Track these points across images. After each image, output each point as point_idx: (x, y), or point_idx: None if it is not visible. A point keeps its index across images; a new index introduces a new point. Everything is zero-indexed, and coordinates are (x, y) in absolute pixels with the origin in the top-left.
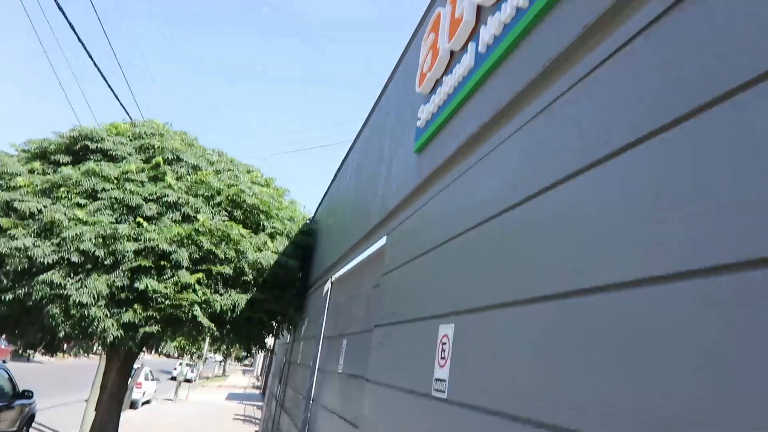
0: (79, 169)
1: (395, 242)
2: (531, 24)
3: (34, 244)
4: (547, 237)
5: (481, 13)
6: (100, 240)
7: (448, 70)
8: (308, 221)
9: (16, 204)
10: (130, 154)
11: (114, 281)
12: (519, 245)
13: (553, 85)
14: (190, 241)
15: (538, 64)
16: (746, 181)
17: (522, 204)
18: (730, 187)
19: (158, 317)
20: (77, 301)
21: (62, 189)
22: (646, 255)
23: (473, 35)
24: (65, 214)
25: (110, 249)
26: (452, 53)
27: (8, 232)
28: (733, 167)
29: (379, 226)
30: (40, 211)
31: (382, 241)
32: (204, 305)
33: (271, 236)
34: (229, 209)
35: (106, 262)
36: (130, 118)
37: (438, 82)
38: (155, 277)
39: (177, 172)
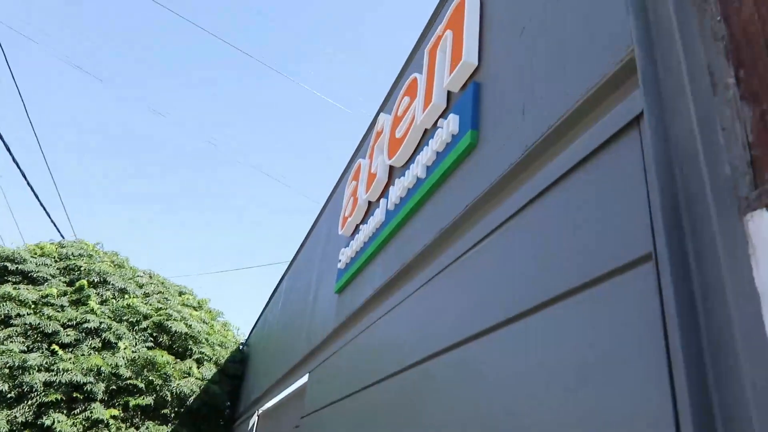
0: None
1: (316, 382)
2: (426, 195)
3: None
4: (439, 399)
5: (392, 173)
6: (6, 371)
7: (365, 219)
8: (241, 346)
9: None
10: (53, 276)
11: (16, 416)
12: (416, 408)
13: (446, 251)
14: (108, 371)
15: (432, 231)
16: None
17: (416, 366)
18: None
19: None
20: None
21: None
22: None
23: (385, 192)
24: None
25: (16, 381)
26: (369, 203)
27: None
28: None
29: (303, 363)
30: None
31: (305, 378)
32: None
33: (198, 362)
34: (155, 334)
35: (9, 396)
36: (62, 236)
37: (357, 228)
38: (65, 412)
39: (102, 295)
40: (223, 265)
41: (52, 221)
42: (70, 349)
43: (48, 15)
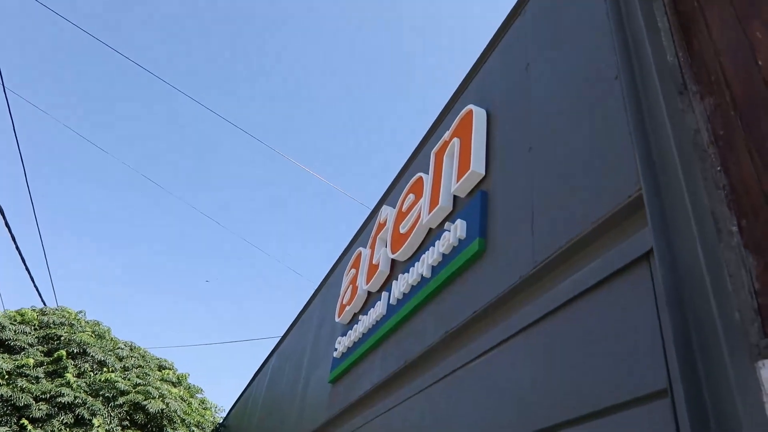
0: None
1: None
2: (431, 295)
3: None
4: None
5: (395, 267)
6: None
7: (364, 309)
8: (218, 426)
9: None
10: (31, 345)
11: None
12: None
13: (451, 355)
14: None
15: (437, 333)
16: None
17: None
18: None
19: None
20: None
21: None
22: None
23: (387, 285)
24: None
25: None
26: (369, 294)
27: None
28: None
29: None
30: None
31: None
32: None
33: None
34: (131, 412)
35: None
36: (44, 303)
37: (355, 318)
38: None
39: (80, 367)
40: (205, 337)
41: (35, 287)
42: (41, 425)
43: (59, 84)
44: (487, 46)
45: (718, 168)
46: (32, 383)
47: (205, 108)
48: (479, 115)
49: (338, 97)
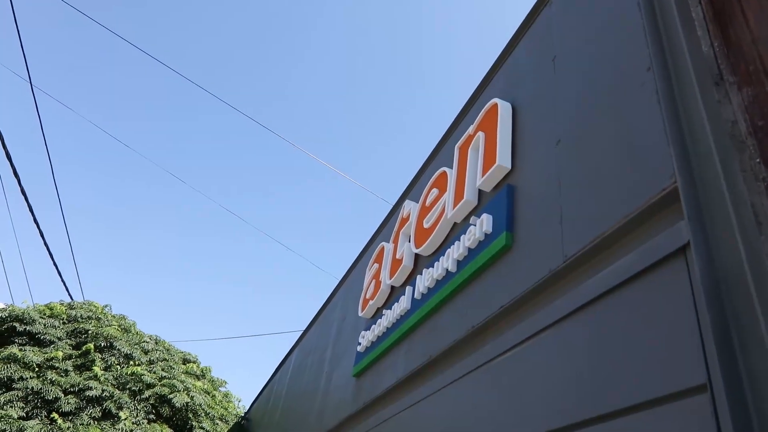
0: None
1: None
2: (457, 290)
3: None
4: None
5: (418, 262)
6: None
7: (387, 304)
8: (240, 419)
9: None
10: (60, 339)
11: None
12: None
13: (477, 350)
14: None
15: (463, 328)
16: None
17: None
18: None
19: None
20: None
21: None
22: None
23: (411, 279)
24: None
25: None
26: (393, 288)
27: None
28: None
29: None
30: None
31: None
32: None
33: None
34: (156, 405)
35: None
36: (71, 297)
37: (379, 312)
38: None
39: (107, 360)
40: (226, 331)
41: (63, 281)
42: (70, 418)
43: (81, 81)
44: (512, 38)
45: (758, 160)
46: (61, 376)
47: (225, 103)
48: (504, 108)
49: (353, 92)
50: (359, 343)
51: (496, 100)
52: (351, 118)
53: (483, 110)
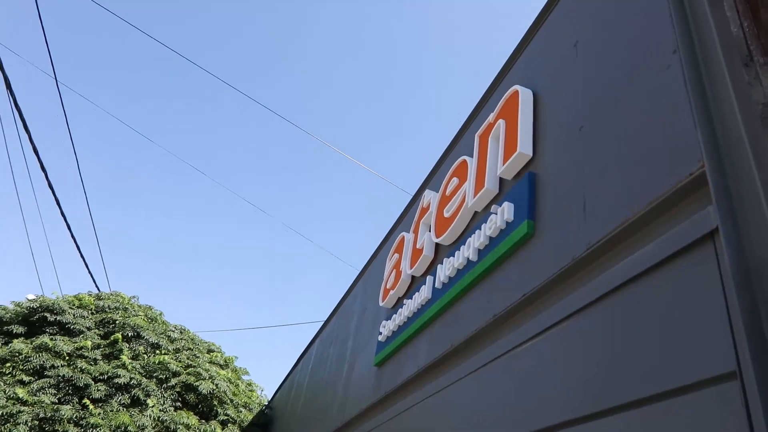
0: (31, 342)
1: None
2: (478, 278)
3: None
4: None
5: (439, 251)
6: (36, 423)
7: (408, 293)
8: (264, 408)
9: None
10: (89, 329)
11: None
12: None
13: (500, 339)
14: (134, 431)
15: (485, 316)
16: None
17: None
18: None
19: None
20: None
21: (8, 364)
22: None
23: (431, 269)
24: (4, 392)
25: None
26: (413, 278)
27: None
28: None
29: None
30: None
31: None
32: None
33: (223, 424)
34: (182, 393)
35: None
36: (98, 288)
37: (400, 302)
38: None
39: (135, 350)
40: (248, 321)
41: (90, 273)
42: (100, 404)
43: (104, 73)
44: (532, 24)
45: None
46: (91, 364)
47: (247, 96)
48: (525, 95)
49: (373, 82)
50: (380, 333)
51: (516, 87)
52: (370, 108)
53: (503, 98)
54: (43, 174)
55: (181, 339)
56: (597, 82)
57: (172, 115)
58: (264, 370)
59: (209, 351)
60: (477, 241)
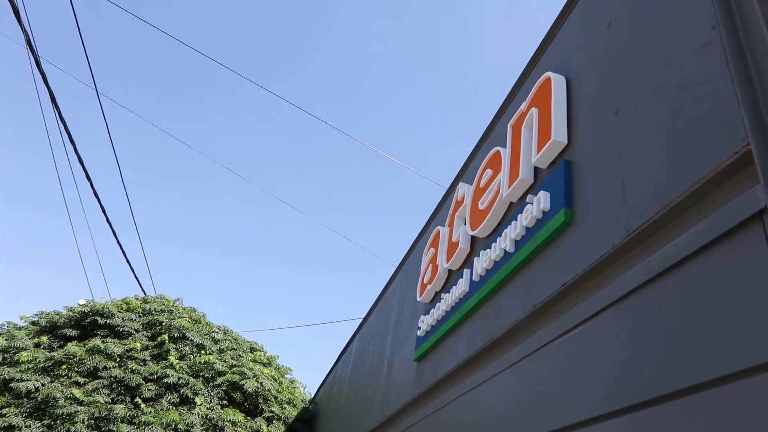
0: (84, 345)
1: None
2: (516, 270)
3: (24, 424)
4: None
5: (475, 244)
6: (92, 422)
7: (446, 288)
8: (308, 404)
9: (13, 384)
10: (137, 331)
11: None
12: None
13: (540, 329)
14: (184, 428)
15: (524, 308)
16: None
17: None
18: None
19: None
20: None
21: (64, 366)
22: None
23: (468, 262)
24: (62, 393)
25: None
26: (450, 272)
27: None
28: None
29: (379, 429)
30: (37, 389)
31: None
32: None
33: (268, 420)
34: (228, 391)
35: None
36: (144, 292)
37: (437, 296)
38: None
39: (181, 350)
40: (285, 320)
41: (136, 278)
42: (151, 403)
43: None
44: (563, 10)
45: None
46: (140, 365)
47: (275, 95)
48: (558, 81)
49: (403, 77)
50: (419, 328)
51: (549, 73)
52: (407, 103)
53: (535, 86)
54: (88, 183)
55: (225, 339)
56: (632, 63)
57: (205, 114)
58: (305, 367)
59: (252, 350)
60: (513, 232)
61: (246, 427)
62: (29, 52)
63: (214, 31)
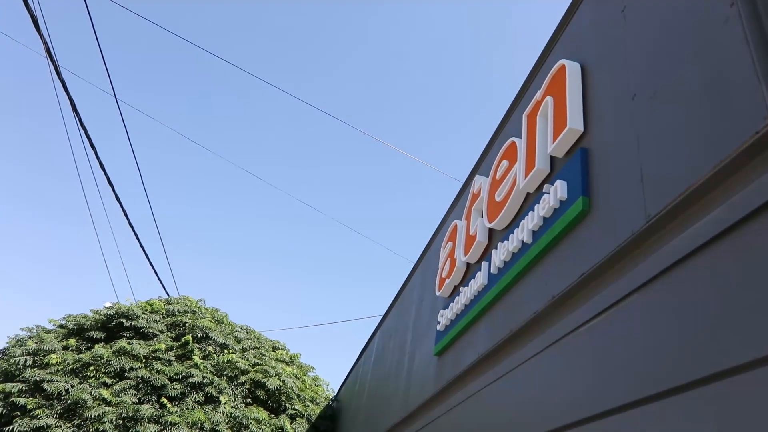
0: (110, 347)
1: None
2: (534, 261)
3: (56, 424)
4: None
5: (493, 236)
6: (120, 422)
7: (464, 281)
8: (331, 402)
9: (45, 385)
10: (161, 332)
11: None
12: None
13: (560, 320)
14: (209, 427)
15: (543, 299)
16: None
17: None
18: None
19: None
20: None
21: (91, 368)
22: None
23: (486, 254)
24: (91, 394)
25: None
26: (468, 265)
27: (32, 412)
28: None
29: (401, 425)
30: (67, 391)
31: None
32: None
33: (292, 418)
34: (252, 390)
35: None
36: (167, 293)
37: (456, 290)
38: None
39: (204, 350)
40: (305, 318)
41: (159, 280)
42: (176, 403)
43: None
44: None
45: None
46: (166, 366)
47: (293, 96)
48: (573, 69)
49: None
50: (438, 322)
51: (563, 61)
52: (421, 100)
53: (550, 74)
54: (110, 188)
55: (247, 339)
56: (648, 46)
57: (224, 120)
58: (328, 365)
59: (274, 349)
60: (531, 222)
61: (270, 424)
62: (49, 61)
63: (229, 31)
